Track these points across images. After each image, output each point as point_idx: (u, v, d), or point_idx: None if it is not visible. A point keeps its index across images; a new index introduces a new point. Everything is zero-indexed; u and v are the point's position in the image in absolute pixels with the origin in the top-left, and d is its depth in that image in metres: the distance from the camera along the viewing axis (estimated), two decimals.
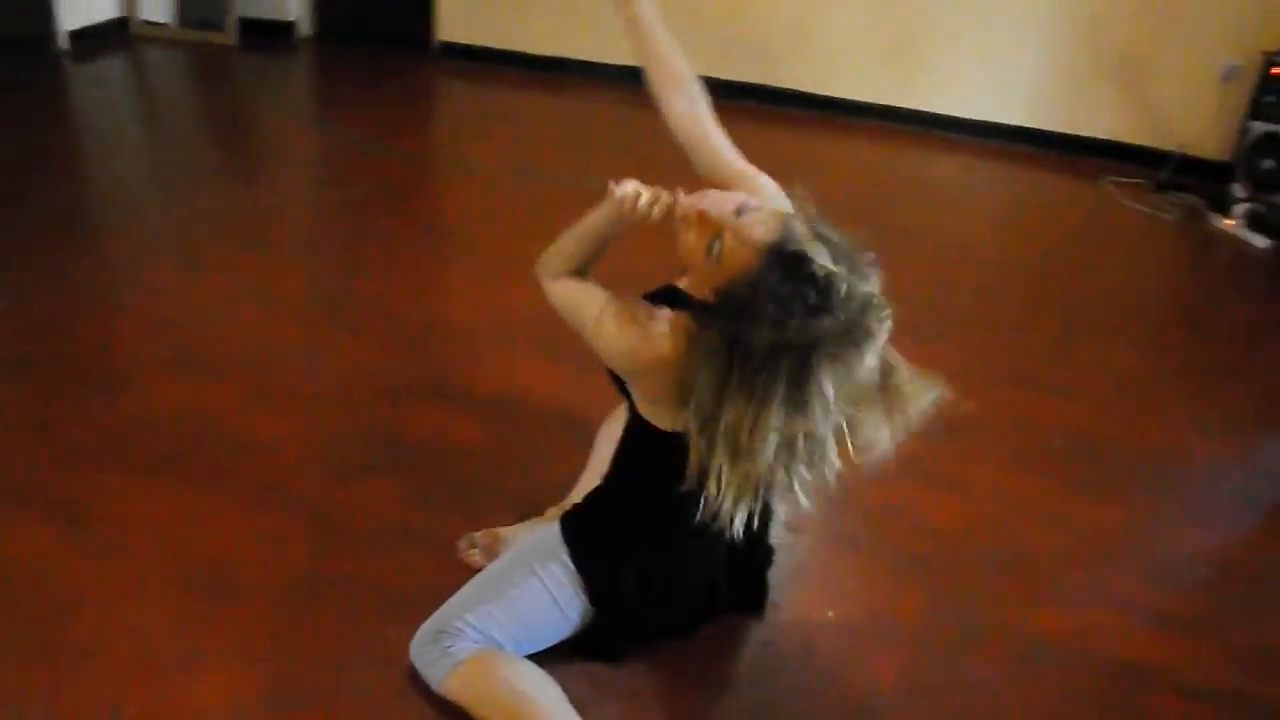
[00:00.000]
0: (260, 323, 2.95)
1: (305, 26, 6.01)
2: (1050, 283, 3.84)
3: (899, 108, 5.36)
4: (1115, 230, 4.43)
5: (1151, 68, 4.93)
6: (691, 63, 1.69)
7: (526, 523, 2.06)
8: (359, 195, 4.05)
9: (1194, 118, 4.90)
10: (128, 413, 2.44)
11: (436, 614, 1.70)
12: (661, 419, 1.59)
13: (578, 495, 2.00)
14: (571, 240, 1.61)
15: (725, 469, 1.43)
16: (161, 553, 2.00)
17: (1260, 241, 4.25)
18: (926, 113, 5.32)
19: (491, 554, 1.95)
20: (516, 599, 1.68)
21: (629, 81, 5.77)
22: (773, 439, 1.40)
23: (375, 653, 1.78)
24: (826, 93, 5.43)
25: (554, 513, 2.01)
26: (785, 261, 1.35)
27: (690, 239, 1.47)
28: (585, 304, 1.57)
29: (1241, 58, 4.65)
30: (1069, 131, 5.16)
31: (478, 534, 2.02)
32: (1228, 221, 4.39)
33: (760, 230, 1.39)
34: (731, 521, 1.46)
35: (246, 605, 1.88)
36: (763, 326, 1.35)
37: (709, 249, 1.43)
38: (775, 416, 1.38)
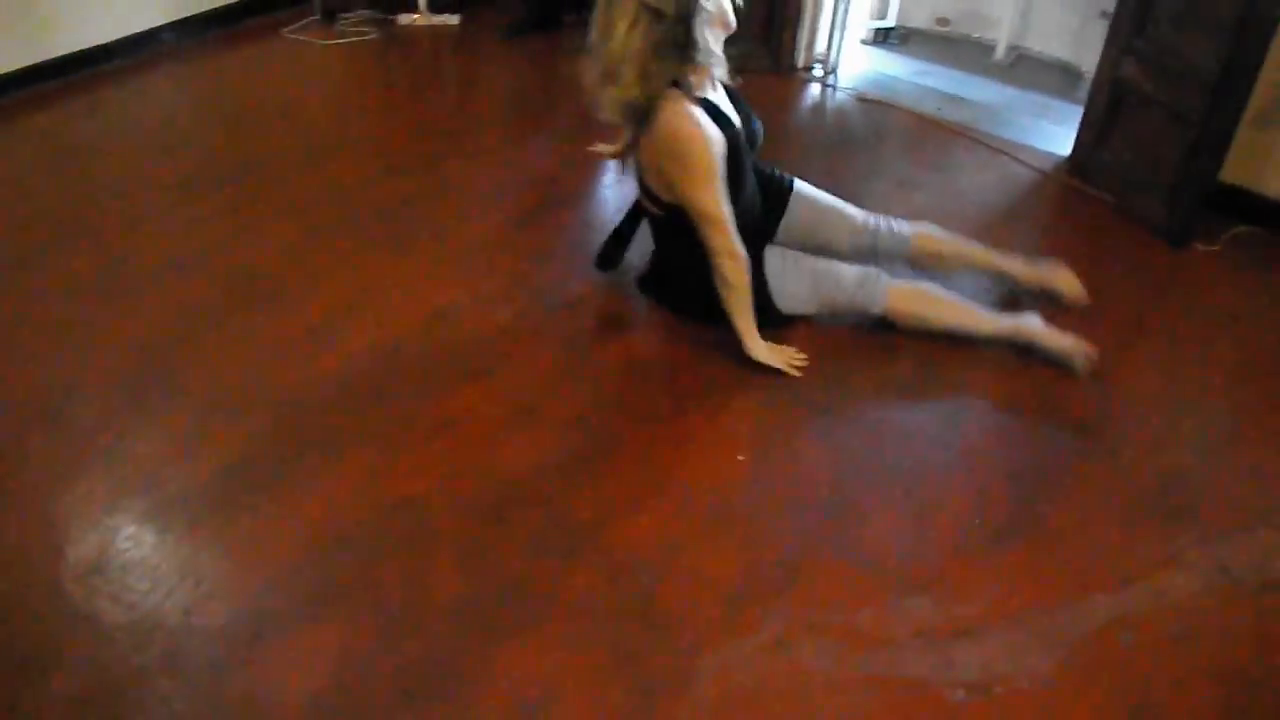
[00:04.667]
0: None
1: None
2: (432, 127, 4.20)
3: (38, 64, 4.58)
4: (342, 68, 4.72)
5: None
6: None
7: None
8: None
9: None
10: None
11: None
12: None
13: None
14: None
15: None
16: None
17: (452, 19, 4.97)
18: (68, 55, 4.67)
19: None
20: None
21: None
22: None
23: None
24: None
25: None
26: None
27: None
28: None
29: None
30: (209, 8, 5.05)
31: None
32: (418, 16, 4.97)
33: None
34: None
35: None
36: None
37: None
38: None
